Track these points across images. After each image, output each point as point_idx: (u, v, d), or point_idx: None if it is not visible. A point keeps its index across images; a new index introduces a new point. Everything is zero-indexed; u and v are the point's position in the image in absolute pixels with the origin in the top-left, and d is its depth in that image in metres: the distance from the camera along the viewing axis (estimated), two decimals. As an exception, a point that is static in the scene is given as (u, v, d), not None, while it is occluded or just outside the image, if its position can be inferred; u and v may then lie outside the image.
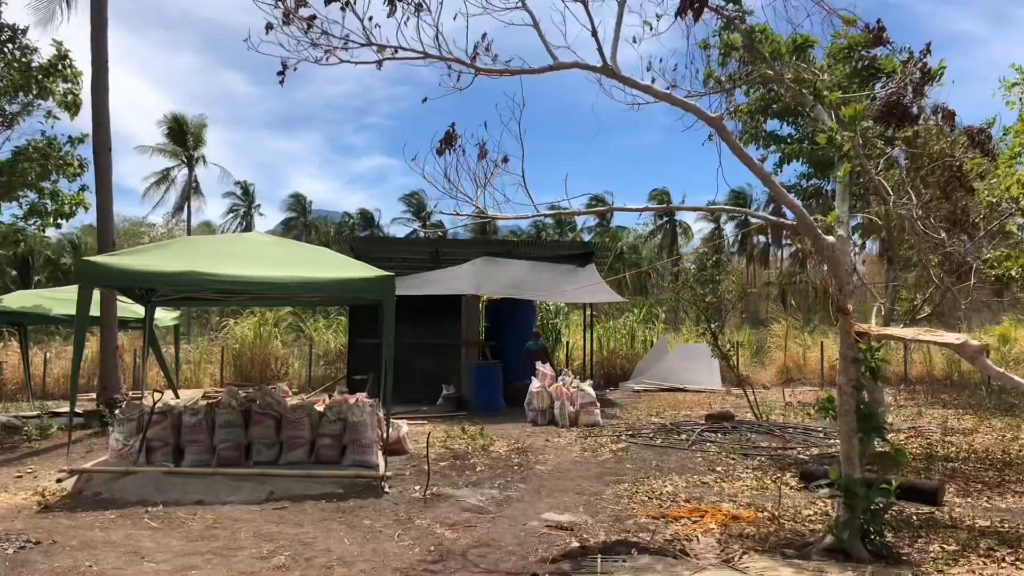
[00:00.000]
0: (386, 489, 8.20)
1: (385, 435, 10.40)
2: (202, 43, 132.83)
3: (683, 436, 12.15)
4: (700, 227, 73.92)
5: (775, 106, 10.46)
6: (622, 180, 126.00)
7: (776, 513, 7.01)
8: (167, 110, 53.93)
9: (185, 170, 53.12)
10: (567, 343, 24.55)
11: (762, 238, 75.05)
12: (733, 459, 10.20)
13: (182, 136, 52.89)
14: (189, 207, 52.41)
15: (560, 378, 14.99)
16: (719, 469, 9.52)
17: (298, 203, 61.63)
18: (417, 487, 8.37)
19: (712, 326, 14.18)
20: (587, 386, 14.09)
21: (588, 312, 20.51)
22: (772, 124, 11.61)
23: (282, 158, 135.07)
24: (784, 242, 75.92)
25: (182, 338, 21.57)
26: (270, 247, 9.23)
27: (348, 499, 7.83)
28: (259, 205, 72.12)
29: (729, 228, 75.50)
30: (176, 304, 13.14)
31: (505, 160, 5.58)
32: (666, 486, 8.46)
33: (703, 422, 13.76)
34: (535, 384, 14.46)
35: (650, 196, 73.27)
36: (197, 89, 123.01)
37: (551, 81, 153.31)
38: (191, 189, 52.53)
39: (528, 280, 17.46)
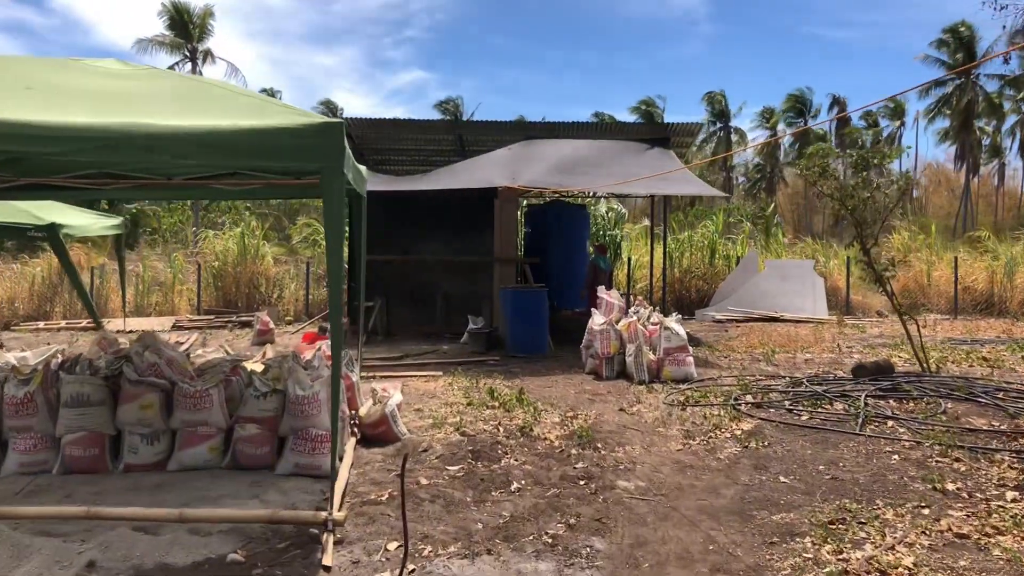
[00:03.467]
0: (326, 562, 4.19)
1: (357, 409, 6.51)
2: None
3: (838, 404, 7.98)
4: (757, 134, 69.89)
5: None
6: (673, 84, 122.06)
7: None
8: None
9: (188, 66, 48.76)
10: (628, 259, 20.28)
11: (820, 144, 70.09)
12: (960, 459, 6.02)
13: (184, 27, 48.37)
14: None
15: (633, 310, 10.83)
16: (953, 487, 5.36)
17: (329, 112, 57.15)
18: (395, 543, 4.39)
19: (863, 237, 9.75)
20: (675, 323, 9.91)
21: (663, 211, 16.12)
22: None
23: (320, 72, 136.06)
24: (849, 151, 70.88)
25: (130, 251, 17.84)
26: (129, 81, 5.10)
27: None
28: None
29: (787, 137, 70.65)
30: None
31: None
32: (885, 539, 4.36)
33: (849, 377, 9.58)
34: (598, 319, 10.34)
35: (704, 99, 68.57)
36: (232, 1, 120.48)
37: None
38: (195, 88, 48.11)
39: (584, 164, 13.12)
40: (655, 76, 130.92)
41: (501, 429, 7.00)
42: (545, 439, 6.72)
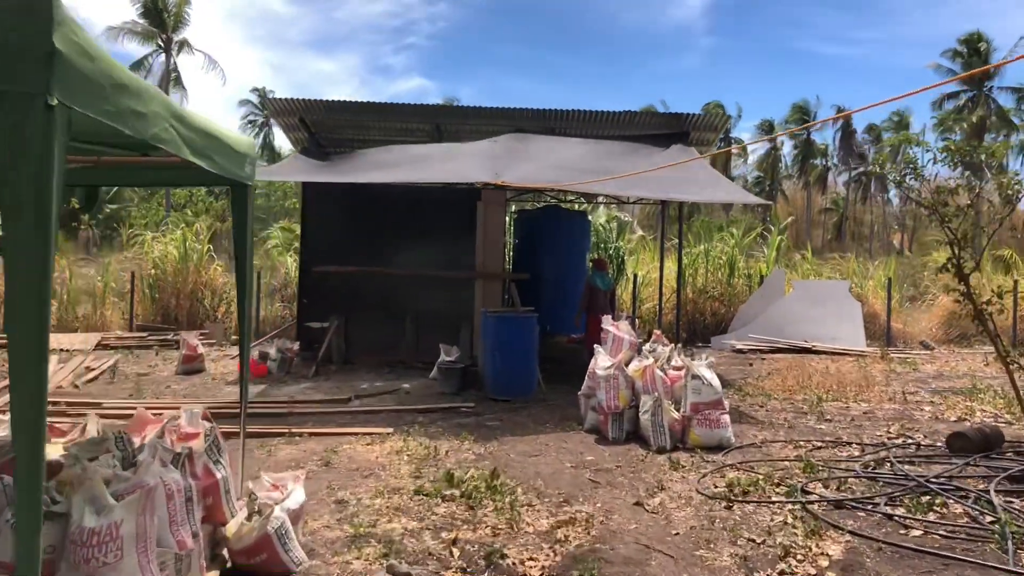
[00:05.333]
0: None
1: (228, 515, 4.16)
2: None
3: (953, 500, 5.55)
4: (755, 148, 68.66)
5: None
6: (671, 95, 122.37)
7: None
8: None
9: (162, 57, 46.27)
10: (634, 276, 17.86)
11: (821, 160, 68.82)
12: None
13: (158, 15, 45.91)
14: (167, 102, 45.54)
15: (648, 348, 8.42)
16: None
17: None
18: None
19: (960, 258, 7.34)
20: (706, 369, 7.49)
21: (679, 220, 13.71)
22: None
23: (321, 79, 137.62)
24: (853, 164, 69.14)
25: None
26: None
27: None
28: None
29: (787, 148, 69.41)
30: None
31: None
32: None
33: (941, 446, 7.19)
34: (602, 361, 7.91)
35: (703, 109, 66.94)
36: (236, 5, 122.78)
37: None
38: (169, 80, 45.74)
39: (584, 165, 10.76)
40: (654, 87, 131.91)
41: (456, 554, 4.56)
42: None
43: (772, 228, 19.10)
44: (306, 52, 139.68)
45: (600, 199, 17.94)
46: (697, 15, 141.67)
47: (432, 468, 6.35)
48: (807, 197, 68.49)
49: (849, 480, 6.14)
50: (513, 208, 17.65)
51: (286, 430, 7.52)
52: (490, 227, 13.06)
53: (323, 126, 13.45)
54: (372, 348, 13.16)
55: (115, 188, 50.67)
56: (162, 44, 46.32)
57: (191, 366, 11.94)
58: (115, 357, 13.23)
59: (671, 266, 17.00)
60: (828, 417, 8.97)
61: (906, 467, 6.48)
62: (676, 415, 7.32)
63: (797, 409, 9.51)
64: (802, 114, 69.10)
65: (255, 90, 62.37)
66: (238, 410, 8.55)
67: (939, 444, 7.44)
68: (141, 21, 46.06)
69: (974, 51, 55.00)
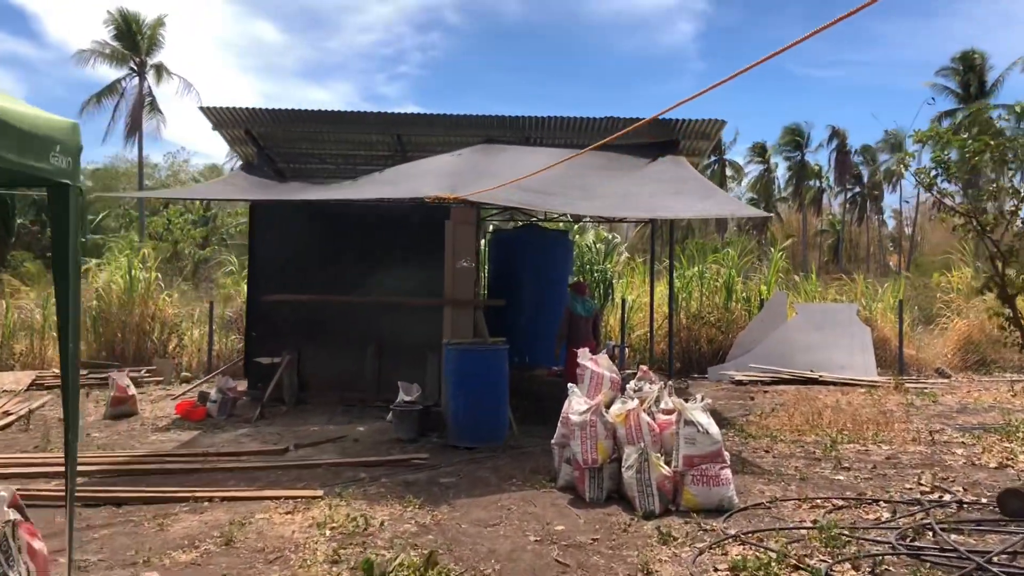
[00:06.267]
0: None
1: None
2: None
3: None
4: (750, 169, 68.21)
5: None
6: (668, 118, 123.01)
7: None
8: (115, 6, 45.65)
9: (136, 80, 45.14)
10: (623, 301, 16.60)
11: (815, 181, 68.40)
12: None
13: (132, 38, 44.85)
14: (140, 129, 44.56)
15: (633, 387, 7.16)
16: None
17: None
18: None
19: (1004, 276, 6.13)
20: (701, 413, 6.23)
21: (669, 239, 12.52)
22: None
23: (314, 107, 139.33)
24: (850, 186, 68.56)
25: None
26: None
27: None
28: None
29: (781, 171, 68.95)
30: None
31: None
32: None
33: (991, 506, 5.95)
34: (577, 403, 6.65)
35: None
36: (229, 36, 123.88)
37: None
38: (142, 105, 44.56)
39: (562, 179, 9.57)
40: (648, 112, 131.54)
41: None
42: None
43: (772, 249, 17.88)
44: (299, 81, 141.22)
45: (587, 217, 16.76)
46: (689, 40, 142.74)
47: (358, 548, 5.08)
48: (802, 219, 67.81)
49: (885, 559, 4.88)
50: (490, 228, 16.46)
51: (190, 494, 6.23)
52: (460, 248, 11.78)
53: (273, 139, 12.25)
54: (329, 385, 11.88)
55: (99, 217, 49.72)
56: (135, 68, 45.22)
57: (121, 409, 10.64)
58: (42, 400, 11.94)
59: (663, 290, 15.80)
60: (846, 464, 7.71)
61: (953, 537, 5.23)
62: (666, 471, 6.06)
63: (808, 454, 8.26)
64: (795, 136, 68.57)
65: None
66: (148, 468, 7.32)
67: (985, 500, 6.21)
68: (114, 43, 45.04)
69: (969, 68, 54.63)
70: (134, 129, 45.29)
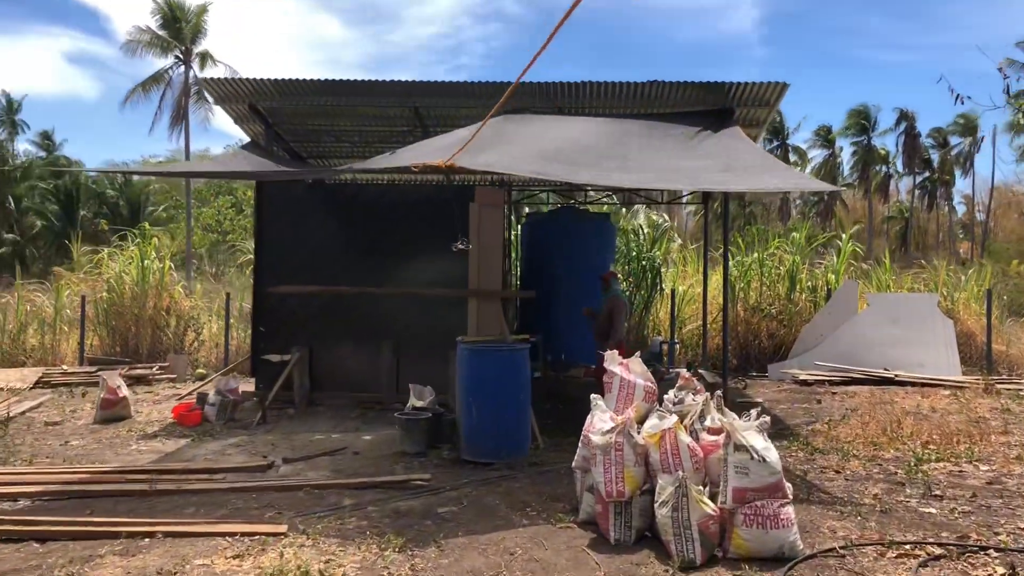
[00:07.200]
0: None
1: None
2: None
3: None
4: (814, 153, 65.83)
5: None
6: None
7: None
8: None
9: (181, 68, 44.98)
10: (672, 292, 15.26)
11: (882, 166, 65.62)
12: None
13: (176, 27, 44.68)
14: (186, 117, 44.37)
15: (672, 398, 5.89)
16: None
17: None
18: None
19: None
20: (756, 434, 4.97)
21: (723, 222, 11.21)
22: None
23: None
24: (919, 171, 65.67)
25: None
26: None
27: None
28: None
29: (846, 155, 66.41)
30: None
31: None
32: None
33: None
34: (600, 420, 5.45)
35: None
36: (295, 32, 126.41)
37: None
38: (187, 93, 44.35)
39: (595, 149, 8.33)
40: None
41: None
42: None
43: (843, 234, 16.27)
44: (360, 75, 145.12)
45: (639, 196, 15.45)
46: (751, 27, 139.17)
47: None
48: (868, 205, 65.24)
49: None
50: (525, 211, 15.29)
51: (130, 528, 5.21)
52: (486, 233, 10.73)
53: (281, 114, 11.23)
54: (342, 385, 10.92)
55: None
56: (180, 56, 45.06)
57: (111, 412, 9.79)
58: (38, 400, 11.20)
59: (718, 279, 14.45)
60: (936, 491, 6.37)
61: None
62: (711, 508, 4.83)
63: (888, 475, 6.93)
64: (861, 119, 65.94)
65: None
66: (102, 489, 6.35)
67: None
68: (162, 33, 44.93)
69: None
70: (179, 119, 45.12)
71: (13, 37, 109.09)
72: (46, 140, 56.83)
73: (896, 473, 6.99)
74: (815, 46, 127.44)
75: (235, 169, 10.64)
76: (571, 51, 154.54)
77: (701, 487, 4.94)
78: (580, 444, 5.64)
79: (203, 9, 45.72)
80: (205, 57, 46.49)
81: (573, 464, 5.77)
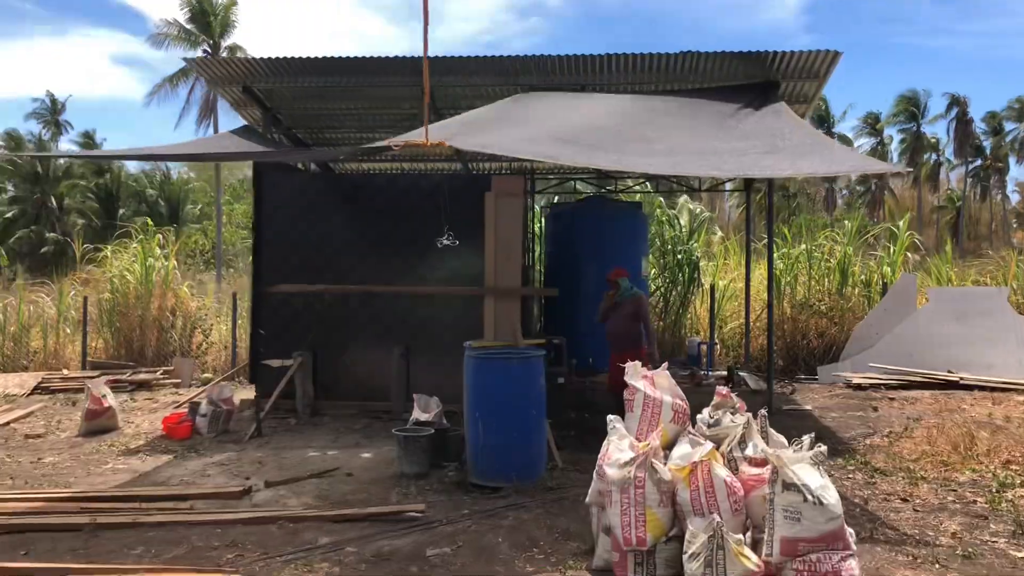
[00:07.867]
0: None
1: None
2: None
3: None
4: (861, 142, 64.03)
5: None
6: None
7: None
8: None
9: (210, 64, 44.69)
10: (711, 287, 14.23)
11: (931, 154, 63.63)
12: None
13: (204, 20, 44.44)
14: (215, 111, 44.08)
15: (708, 419, 4.94)
16: None
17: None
18: None
19: None
20: (810, 469, 4.04)
21: (767, 211, 10.19)
22: None
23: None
24: (971, 159, 63.47)
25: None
26: None
27: None
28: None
29: (895, 144, 64.45)
30: None
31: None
32: None
33: None
34: (617, 450, 4.54)
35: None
36: (337, 29, 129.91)
37: None
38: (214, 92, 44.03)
39: (617, 128, 7.39)
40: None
41: None
42: None
43: (899, 224, 15.05)
44: None
45: (675, 183, 14.45)
46: (794, 16, 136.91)
47: None
48: (918, 194, 63.30)
49: None
50: (553, 200, 14.37)
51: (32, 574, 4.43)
52: (503, 225, 9.77)
53: (279, 98, 10.44)
54: (350, 393, 10.13)
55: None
56: (208, 50, 44.80)
57: (96, 424, 9.10)
58: (29, 408, 10.58)
59: (762, 273, 13.41)
60: (1026, 527, 5.36)
61: None
62: (753, 562, 3.89)
63: (966, 504, 5.92)
64: (910, 105, 64.00)
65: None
66: (46, 523, 5.59)
67: None
68: (190, 27, 44.75)
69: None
70: (207, 113, 44.90)
71: (60, 39, 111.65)
72: (87, 140, 57.31)
73: (975, 502, 5.98)
74: (860, 33, 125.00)
75: (205, 151, 9.84)
76: (610, 44, 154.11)
77: (741, 536, 4.00)
78: (595, 476, 4.73)
79: (232, 2, 45.47)
80: (234, 51, 46.23)
81: (587, 499, 4.86)
